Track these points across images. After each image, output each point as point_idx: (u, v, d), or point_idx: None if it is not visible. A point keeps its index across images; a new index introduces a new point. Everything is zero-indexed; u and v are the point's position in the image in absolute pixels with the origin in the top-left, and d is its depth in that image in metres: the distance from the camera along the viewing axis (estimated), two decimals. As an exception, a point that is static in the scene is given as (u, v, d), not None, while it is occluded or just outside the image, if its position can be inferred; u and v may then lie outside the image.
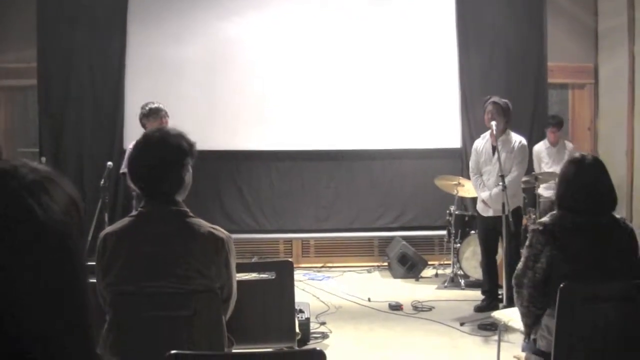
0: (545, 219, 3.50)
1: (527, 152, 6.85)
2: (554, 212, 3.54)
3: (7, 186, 0.99)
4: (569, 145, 8.76)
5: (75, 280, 1.04)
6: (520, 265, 3.51)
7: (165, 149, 2.93)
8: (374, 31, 9.26)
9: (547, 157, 8.65)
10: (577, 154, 3.60)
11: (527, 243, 3.49)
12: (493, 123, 6.53)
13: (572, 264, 3.30)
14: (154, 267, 2.84)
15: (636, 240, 3.44)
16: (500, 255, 6.90)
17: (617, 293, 3.23)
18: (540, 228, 3.42)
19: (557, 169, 8.25)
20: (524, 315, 3.52)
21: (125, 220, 2.98)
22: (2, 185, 0.99)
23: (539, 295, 3.39)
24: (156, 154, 2.93)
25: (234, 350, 3.15)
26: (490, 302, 6.72)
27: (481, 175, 6.87)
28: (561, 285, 3.12)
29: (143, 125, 6.65)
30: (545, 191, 8.43)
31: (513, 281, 3.54)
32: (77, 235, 1.07)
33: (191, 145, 3.03)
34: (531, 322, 3.49)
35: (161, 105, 6.75)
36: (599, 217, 3.42)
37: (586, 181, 3.43)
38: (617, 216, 3.49)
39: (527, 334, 3.57)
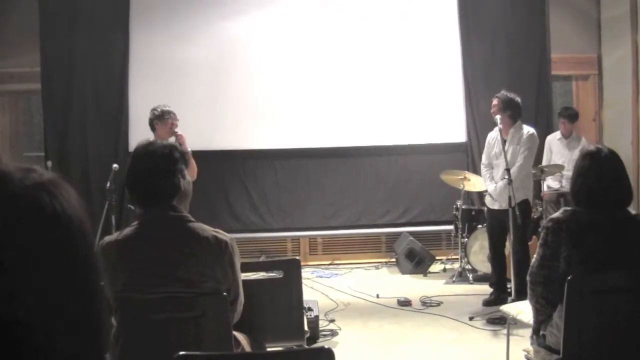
0: (558, 214, 3.40)
1: (535, 143, 6.80)
2: (567, 207, 3.45)
3: (30, 177, 1.01)
4: (583, 140, 8.68)
5: (93, 276, 1.06)
6: (534, 262, 3.42)
7: (156, 158, 2.97)
8: (376, 28, 9.25)
9: (557, 148, 8.63)
10: (591, 147, 3.49)
11: (540, 240, 3.39)
12: (497, 117, 6.56)
13: (587, 262, 3.23)
14: (159, 272, 2.87)
15: None
16: (509, 248, 6.89)
17: (627, 284, 3.20)
18: (555, 226, 3.32)
19: (565, 160, 8.25)
20: (537, 312, 3.48)
21: (127, 230, 3.00)
22: (25, 177, 1.01)
23: (553, 294, 3.35)
24: (148, 163, 2.97)
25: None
26: (499, 296, 6.72)
27: (492, 168, 6.89)
28: (569, 277, 3.10)
29: (153, 128, 6.60)
30: (553, 182, 8.42)
31: (527, 278, 3.47)
32: (92, 232, 1.08)
33: (182, 153, 3.07)
34: (543, 319, 3.46)
35: (171, 108, 6.68)
36: (614, 212, 3.32)
37: (602, 175, 3.32)
38: (633, 212, 3.38)
39: (537, 330, 3.55)
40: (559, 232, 3.30)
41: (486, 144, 7.05)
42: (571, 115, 8.64)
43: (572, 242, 3.26)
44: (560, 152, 8.60)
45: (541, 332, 3.50)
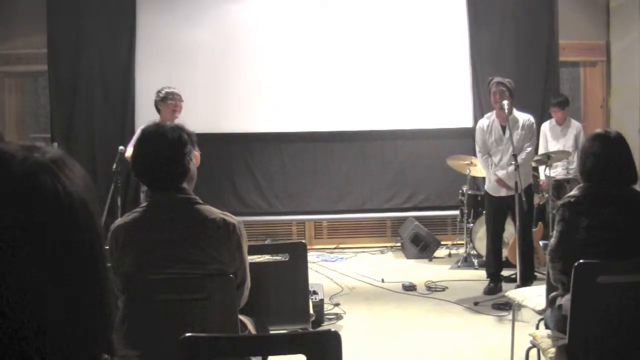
0: (573, 192, 3.52)
1: (536, 130, 6.83)
2: (582, 184, 3.55)
3: (31, 157, 1.00)
4: (576, 124, 8.62)
5: (97, 256, 1.05)
6: (553, 240, 3.51)
7: (165, 141, 2.93)
8: (384, 12, 9.21)
9: (552, 135, 8.57)
10: (600, 130, 3.62)
11: (558, 218, 3.49)
12: (505, 102, 6.44)
13: (606, 232, 3.33)
14: (166, 254, 2.86)
15: None
16: (513, 235, 6.89)
17: (636, 270, 3.21)
18: (572, 200, 3.44)
19: (560, 147, 8.19)
20: (558, 286, 3.52)
21: (135, 212, 2.99)
22: (27, 157, 1.00)
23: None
24: (156, 147, 2.94)
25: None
26: (497, 285, 6.70)
27: (490, 156, 6.80)
28: (576, 264, 3.10)
29: (158, 110, 6.75)
30: (553, 170, 8.38)
31: (547, 257, 3.57)
32: (99, 211, 1.08)
33: (190, 134, 3.04)
34: (563, 293, 3.49)
35: (176, 90, 6.79)
36: (623, 189, 3.46)
37: (613, 155, 3.46)
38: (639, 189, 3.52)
39: (552, 300, 3.55)
40: (577, 206, 3.42)
41: (478, 131, 6.90)
42: (560, 103, 8.54)
43: (592, 211, 3.37)
44: (556, 138, 8.55)
45: (557, 303, 3.50)
